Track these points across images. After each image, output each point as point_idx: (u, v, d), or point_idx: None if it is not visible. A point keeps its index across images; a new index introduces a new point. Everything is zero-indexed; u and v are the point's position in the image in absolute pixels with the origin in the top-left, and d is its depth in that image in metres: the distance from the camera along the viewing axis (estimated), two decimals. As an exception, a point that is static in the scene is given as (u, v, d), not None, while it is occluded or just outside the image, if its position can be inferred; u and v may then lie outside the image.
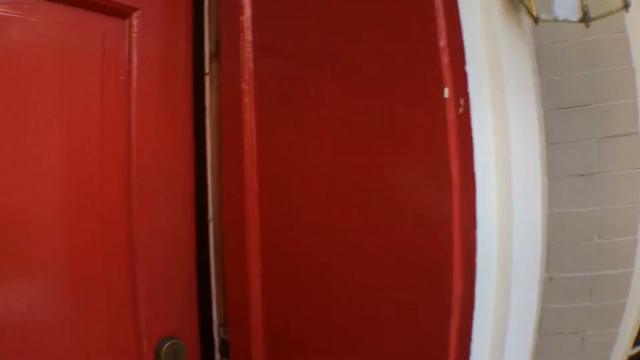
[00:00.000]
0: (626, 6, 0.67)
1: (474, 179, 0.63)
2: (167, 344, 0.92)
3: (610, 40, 0.84)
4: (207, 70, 1.04)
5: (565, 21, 0.68)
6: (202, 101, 1.03)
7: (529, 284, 0.70)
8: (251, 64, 0.95)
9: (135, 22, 0.94)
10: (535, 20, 0.67)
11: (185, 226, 0.98)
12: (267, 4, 0.93)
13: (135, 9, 0.93)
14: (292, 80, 0.89)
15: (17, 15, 0.82)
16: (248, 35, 0.94)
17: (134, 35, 0.94)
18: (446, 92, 0.64)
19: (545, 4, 0.67)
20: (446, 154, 0.64)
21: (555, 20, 0.68)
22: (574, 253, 0.86)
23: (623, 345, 0.84)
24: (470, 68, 0.64)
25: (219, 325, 1.02)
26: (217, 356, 1.04)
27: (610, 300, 0.85)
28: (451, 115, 0.64)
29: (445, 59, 0.65)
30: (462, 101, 0.63)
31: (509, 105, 0.67)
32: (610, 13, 0.67)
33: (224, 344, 1.03)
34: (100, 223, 0.89)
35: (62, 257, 0.85)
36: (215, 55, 1.02)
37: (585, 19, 0.67)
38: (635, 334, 0.87)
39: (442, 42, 0.65)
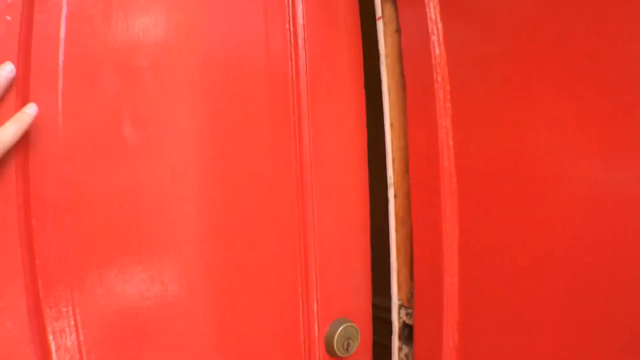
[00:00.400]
0: None
1: None
2: (340, 328, 0.82)
3: None
4: (379, 14, 0.91)
5: None
6: (374, 48, 0.90)
7: None
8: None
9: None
10: None
11: (359, 198, 0.87)
12: None
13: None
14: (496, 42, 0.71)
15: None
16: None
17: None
18: None
19: None
20: None
21: None
22: None
23: None
24: None
25: (400, 307, 0.89)
26: (396, 342, 0.90)
27: None
28: None
29: None
30: None
31: None
32: None
33: (406, 328, 0.89)
34: (273, 201, 0.79)
35: (238, 237, 0.76)
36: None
37: None
38: None
39: None
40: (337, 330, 0.82)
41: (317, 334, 0.82)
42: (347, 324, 0.83)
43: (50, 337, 0.57)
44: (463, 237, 0.76)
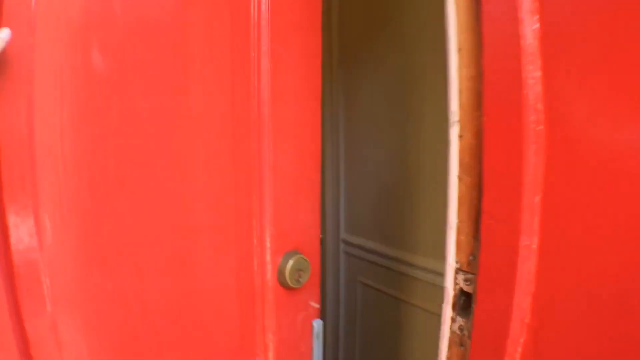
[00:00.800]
0: None
1: None
2: (292, 260, 0.85)
3: None
4: None
5: None
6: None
7: None
8: None
9: None
10: None
11: (312, 135, 0.91)
12: None
13: None
14: None
15: None
16: None
17: None
18: None
19: None
20: None
21: None
22: None
23: None
24: None
25: (457, 270, 0.74)
26: (448, 312, 0.76)
27: None
28: None
29: None
30: None
31: None
32: None
33: (463, 296, 0.75)
34: (231, 134, 0.82)
35: (196, 169, 0.78)
36: None
37: None
38: None
39: None
40: (289, 261, 0.84)
41: (270, 266, 0.84)
42: (298, 256, 0.86)
43: None
44: (549, 191, 0.59)
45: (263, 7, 0.82)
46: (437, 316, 1.58)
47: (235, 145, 0.82)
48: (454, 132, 0.69)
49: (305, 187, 0.89)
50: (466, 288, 0.73)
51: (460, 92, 0.69)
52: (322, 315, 2.15)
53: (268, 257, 0.84)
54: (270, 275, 0.84)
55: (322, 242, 2.10)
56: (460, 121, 0.69)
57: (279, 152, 0.84)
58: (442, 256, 1.44)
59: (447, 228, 0.72)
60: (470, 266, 0.72)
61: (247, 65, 0.82)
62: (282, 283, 0.85)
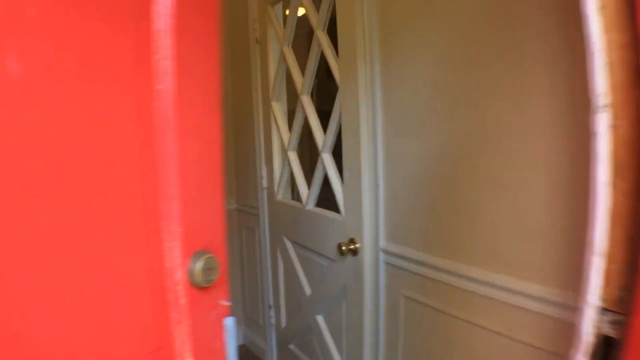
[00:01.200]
0: None
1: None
2: (201, 260, 0.87)
3: None
4: None
5: None
6: None
7: None
8: None
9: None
10: None
11: (213, 131, 0.94)
12: None
13: None
14: None
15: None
16: None
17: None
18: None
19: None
20: None
21: None
22: None
23: None
24: None
25: (601, 310, 0.55)
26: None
27: None
28: None
29: None
30: None
31: None
32: None
33: (604, 343, 0.56)
34: (135, 137, 0.84)
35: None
36: None
37: None
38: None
39: None
40: (199, 261, 0.87)
41: (181, 267, 0.86)
42: (207, 255, 0.88)
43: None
44: None
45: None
46: (498, 335, 1.40)
47: (142, 149, 0.84)
48: (603, 122, 0.50)
49: (209, 188, 0.93)
50: (612, 333, 0.54)
51: (610, 65, 0.50)
52: (360, 330, 1.97)
53: (178, 258, 0.86)
54: (181, 276, 0.86)
55: (358, 251, 1.91)
56: (612, 104, 0.49)
57: (183, 154, 0.87)
58: (503, 269, 1.24)
59: (589, 253, 0.53)
60: (619, 304, 0.53)
61: (150, 70, 0.85)
62: (194, 283, 0.87)
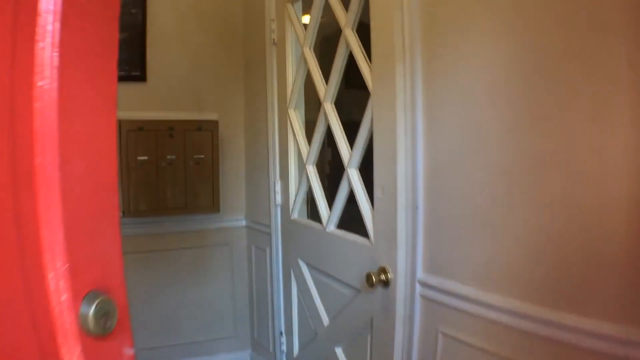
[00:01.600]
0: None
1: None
2: (95, 302, 0.72)
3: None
4: None
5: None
6: None
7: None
8: None
9: None
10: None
11: (108, 149, 0.79)
12: None
13: None
14: None
15: None
16: None
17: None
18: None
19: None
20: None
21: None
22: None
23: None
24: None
25: None
26: None
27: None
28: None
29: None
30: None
31: None
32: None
33: None
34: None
35: None
36: None
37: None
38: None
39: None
40: (92, 305, 0.72)
41: (70, 312, 0.71)
42: (102, 297, 0.74)
43: None
44: None
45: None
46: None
47: (13, 161, 0.72)
48: None
49: (101, 212, 0.79)
50: None
51: None
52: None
53: (66, 303, 0.72)
54: (71, 323, 0.72)
55: (390, 282, 1.67)
56: None
57: (68, 168, 0.72)
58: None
59: None
60: None
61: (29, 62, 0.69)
62: (88, 331, 0.73)
